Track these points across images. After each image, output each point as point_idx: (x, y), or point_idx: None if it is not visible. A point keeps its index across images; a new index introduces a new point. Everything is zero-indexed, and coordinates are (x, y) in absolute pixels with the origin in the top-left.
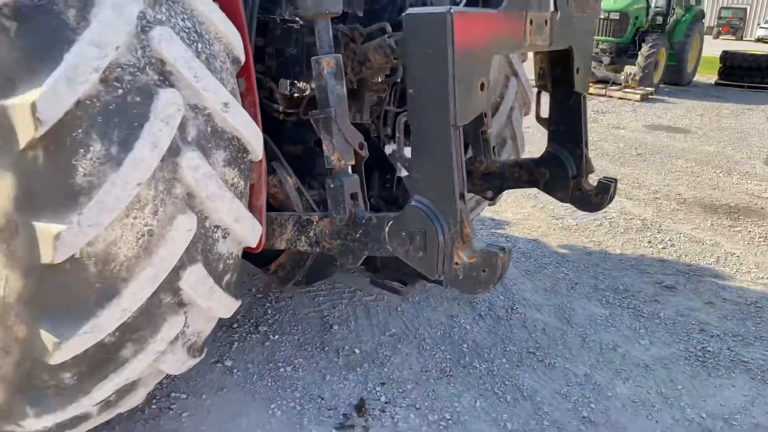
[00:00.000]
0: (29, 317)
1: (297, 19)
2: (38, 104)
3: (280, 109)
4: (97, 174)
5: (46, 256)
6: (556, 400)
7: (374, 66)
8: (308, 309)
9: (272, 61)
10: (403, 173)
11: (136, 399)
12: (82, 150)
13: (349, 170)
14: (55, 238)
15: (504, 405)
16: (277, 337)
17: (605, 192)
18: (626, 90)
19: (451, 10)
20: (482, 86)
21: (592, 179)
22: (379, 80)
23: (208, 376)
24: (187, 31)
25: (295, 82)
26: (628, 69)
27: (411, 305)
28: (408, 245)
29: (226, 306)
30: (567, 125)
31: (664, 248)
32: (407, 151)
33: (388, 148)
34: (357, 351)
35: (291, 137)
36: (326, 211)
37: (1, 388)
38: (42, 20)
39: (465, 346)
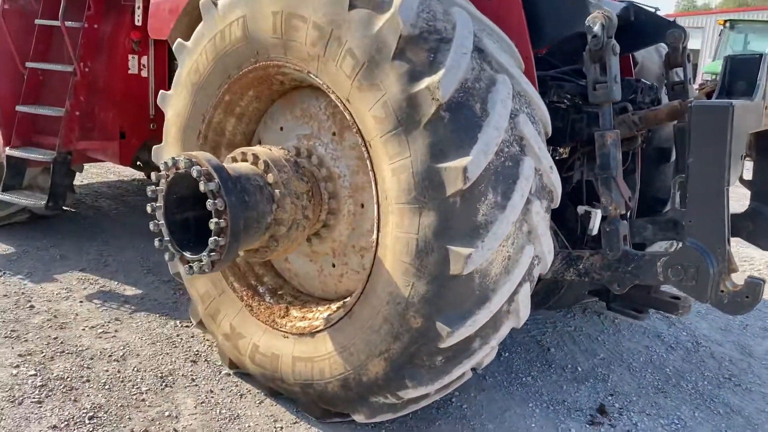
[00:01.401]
0: (427, 313)
1: (564, 101)
2: (468, 167)
3: None
4: (491, 215)
5: (456, 269)
6: (763, 417)
7: None
8: (522, 334)
9: None
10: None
11: (455, 385)
12: (482, 198)
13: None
14: (467, 257)
15: (719, 417)
16: (507, 354)
17: None
18: None
19: (732, 103)
20: (742, 156)
21: None
22: None
23: (467, 381)
24: (530, 115)
25: (557, 148)
26: None
27: (608, 336)
28: (682, 276)
29: (524, 318)
30: None
31: None
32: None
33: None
34: (579, 369)
35: None
36: (587, 249)
37: (385, 366)
38: (461, 112)
39: (668, 370)
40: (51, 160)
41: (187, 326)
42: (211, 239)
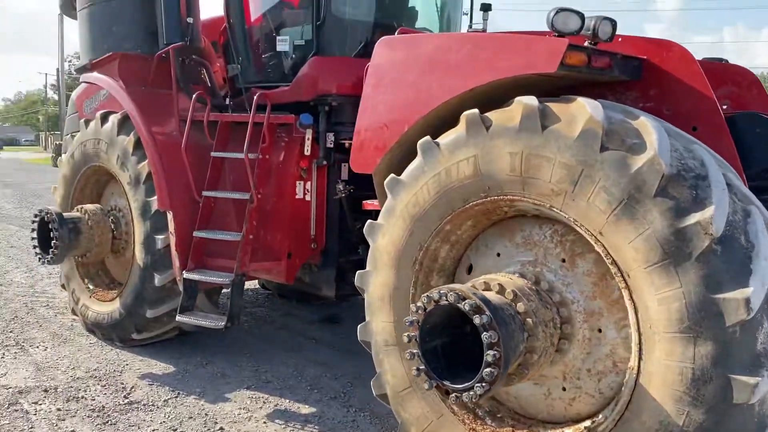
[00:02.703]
0: None
1: None
2: (750, 298)
3: None
4: None
5: (741, 398)
6: None
7: None
8: None
9: None
10: None
11: None
12: (760, 327)
13: None
14: (754, 387)
15: None
16: None
17: None
18: None
19: None
20: None
21: None
22: None
23: None
24: None
25: None
26: None
27: None
28: None
29: None
30: None
31: None
32: None
33: None
34: None
35: None
36: None
37: None
38: (730, 244)
39: None
40: (229, 282)
41: None
42: (486, 371)
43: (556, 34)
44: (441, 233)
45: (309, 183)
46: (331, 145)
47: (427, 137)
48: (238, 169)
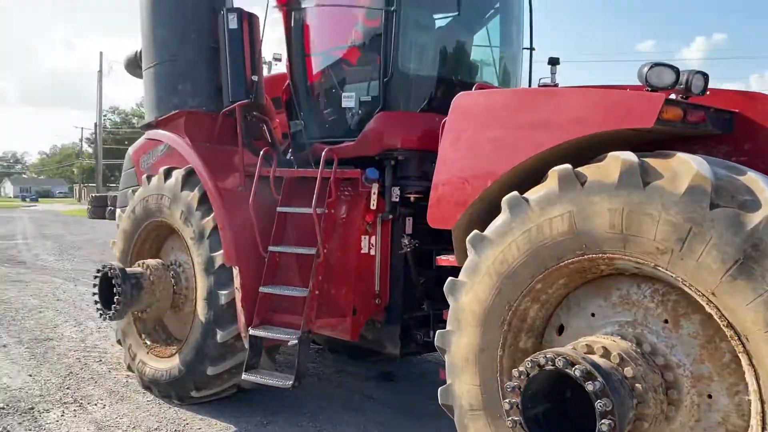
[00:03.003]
0: None
1: None
2: None
3: None
4: None
5: None
6: None
7: None
8: None
9: None
10: None
11: None
12: None
13: None
14: None
15: None
16: None
17: None
18: None
19: None
20: None
21: None
22: None
23: None
24: None
25: None
26: None
27: None
28: None
29: None
30: None
31: None
32: None
33: None
34: None
35: None
36: None
37: None
38: None
39: None
40: (296, 339)
41: None
42: None
43: (649, 89)
44: (531, 292)
45: (374, 237)
46: (397, 199)
47: (515, 192)
48: (302, 224)
